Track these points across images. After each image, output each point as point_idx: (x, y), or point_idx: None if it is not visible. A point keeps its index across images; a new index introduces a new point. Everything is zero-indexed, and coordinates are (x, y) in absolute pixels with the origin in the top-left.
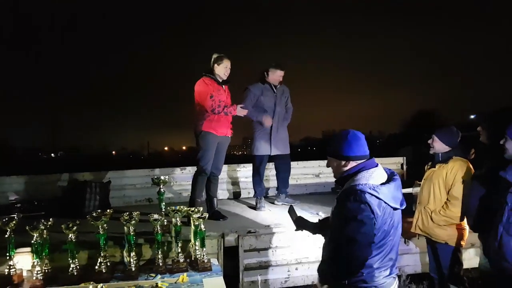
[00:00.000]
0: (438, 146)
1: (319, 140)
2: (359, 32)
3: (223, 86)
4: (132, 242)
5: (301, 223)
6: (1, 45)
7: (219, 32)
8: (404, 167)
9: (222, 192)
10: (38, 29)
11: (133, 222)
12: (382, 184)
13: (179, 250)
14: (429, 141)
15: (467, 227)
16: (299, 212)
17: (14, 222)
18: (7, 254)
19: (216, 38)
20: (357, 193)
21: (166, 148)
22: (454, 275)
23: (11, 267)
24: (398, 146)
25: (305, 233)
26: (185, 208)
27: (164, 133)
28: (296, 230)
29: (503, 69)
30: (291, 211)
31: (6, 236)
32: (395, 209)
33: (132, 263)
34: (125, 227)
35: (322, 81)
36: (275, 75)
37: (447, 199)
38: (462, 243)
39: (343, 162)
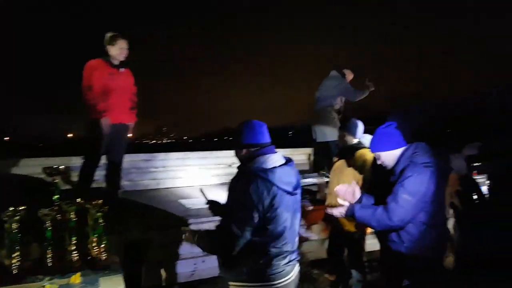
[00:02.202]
0: (348, 138)
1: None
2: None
3: (120, 69)
4: (16, 240)
5: (215, 207)
6: None
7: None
8: (311, 157)
9: (130, 183)
10: None
11: (16, 218)
12: (275, 167)
13: (73, 247)
14: (339, 137)
15: None
16: None
17: None
18: None
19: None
20: (246, 175)
21: (70, 135)
22: (357, 261)
23: None
24: (309, 138)
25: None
26: (81, 201)
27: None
28: (210, 212)
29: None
30: (203, 193)
31: None
32: (289, 194)
33: (14, 264)
34: (6, 225)
35: (245, 72)
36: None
37: None
38: (368, 230)
39: (241, 149)
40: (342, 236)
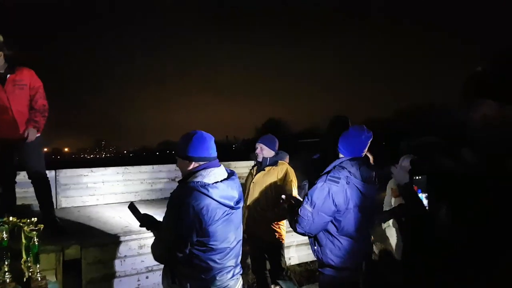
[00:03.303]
0: (266, 152)
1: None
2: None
3: (8, 75)
4: None
5: (147, 221)
6: None
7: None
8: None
9: (65, 199)
10: None
11: None
12: (217, 182)
13: (6, 269)
14: (257, 150)
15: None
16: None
17: None
18: None
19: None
20: (186, 190)
21: None
22: (281, 269)
23: None
24: (251, 151)
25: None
26: (14, 219)
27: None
28: (141, 226)
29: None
30: (133, 208)
31: None
32: (231, 208)
33: None
34: None
35: (185, 85)
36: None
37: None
38: (283, 240)
39: (187, 162)
40: (265, 248)
